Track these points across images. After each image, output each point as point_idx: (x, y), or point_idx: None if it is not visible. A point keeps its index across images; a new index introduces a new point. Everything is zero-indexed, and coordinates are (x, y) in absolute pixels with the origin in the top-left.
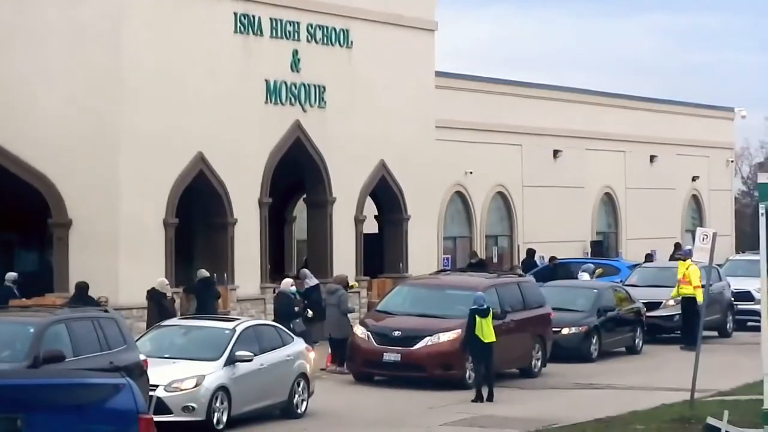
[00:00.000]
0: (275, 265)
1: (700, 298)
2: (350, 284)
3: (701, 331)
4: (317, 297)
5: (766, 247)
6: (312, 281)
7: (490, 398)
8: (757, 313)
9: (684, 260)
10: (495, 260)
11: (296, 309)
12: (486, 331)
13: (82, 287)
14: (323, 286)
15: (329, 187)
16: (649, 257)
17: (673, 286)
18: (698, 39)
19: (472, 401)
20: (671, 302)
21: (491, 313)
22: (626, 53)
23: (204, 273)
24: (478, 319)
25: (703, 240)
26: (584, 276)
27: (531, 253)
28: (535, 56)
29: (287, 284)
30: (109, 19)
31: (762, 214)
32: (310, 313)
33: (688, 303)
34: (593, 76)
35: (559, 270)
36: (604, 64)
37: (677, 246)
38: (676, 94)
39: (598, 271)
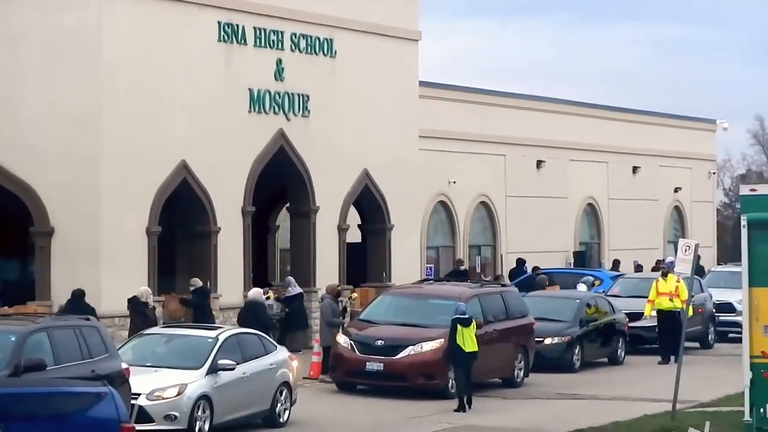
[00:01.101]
0: (258, 274)
1: (690, 312)
2: (351, 295)
3: (683, 343)
4: (299, 305)
5: (748, 258)
6: (295, 289)
7: (468, 405)
8: (738, 325)
9: (666, 273)
10: (478, 270)
11: (275, 319)
12: (468, 340)
13: (78, 295)
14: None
15: (312, 196)
16: (639, 268)
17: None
18: (680, 50)
19: (455, 411)
20: (654, 313)
21: (473, 322)
22: (608, 64)
23: (198, 282)
24: (459, 328)
25: (685, 251)
26: (582, 287)
27: (520, 262)
28: (517, 67)
29: (258, 294)
30: (90, 26)
31: (744, 226)
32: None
33: (667, 317)
34: (575, 86)
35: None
36: (586, 74)
37: (658, 263)
38: (658, 105)
39: (596, 282)
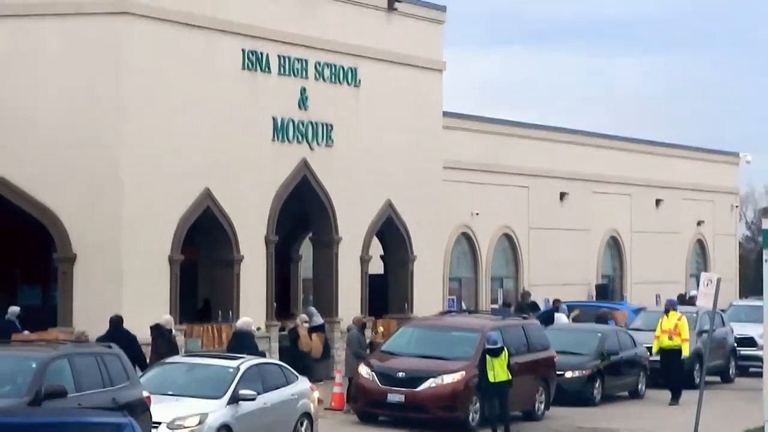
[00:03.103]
0: (281, 303)
1: (686, 351)
2: (377, 328)
3: (704, 375)
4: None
5: None
6: (318, 320)
7: None
8: (759, 359)
9: (668, 310)
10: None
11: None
12: (498, 370)
13: (117, 321)
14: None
15: (335, 226)
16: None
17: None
18: (704, 82)
19: None
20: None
21: (505, 351)
22: (633, 93)
23: (248, 323)
24: (489, 358)
25: (707, 285)
26: (562, 317)
27: (526, 295)
28: (540, 96)
29: (247, 324)
30: (112, 51)
31: (766, 260)
32: None
33: (671, 356)
34: (600, 116)
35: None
36: (611, 103)
37: (680, 297)
38: (681, 137)
39: (574, 312)
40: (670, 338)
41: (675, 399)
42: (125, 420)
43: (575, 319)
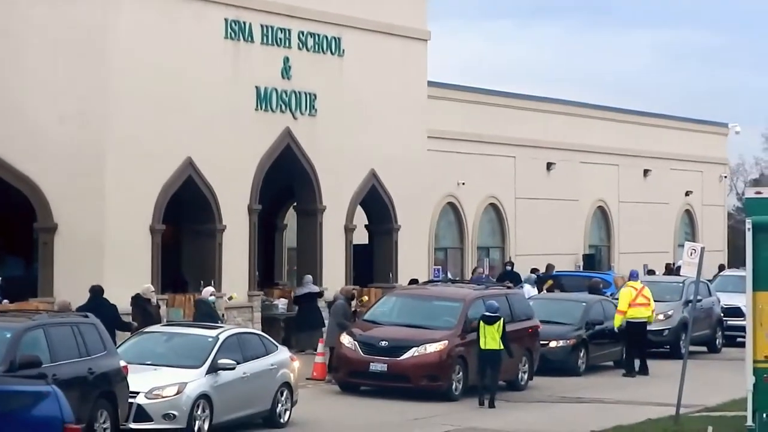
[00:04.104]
0: (265, 272)
1: (652, 319)
2: (362, 298)
3: (688, 345)
4: (309, 305)
5: (752, 262)
6: (306, 288)
7: (491, 405)
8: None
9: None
10: (486, 272)
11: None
12: (489, 339)
13: (97, 290)
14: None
15: (319, 195)
16: (651, 272)
17: (668, 300)
18: (693, 55)
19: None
20: (661, 317)
21: (501, 321)
22: (620, 69)
23: (208, 291)
24: (482, 324)
25: (690, 254)
26: (527, 287)
27: (509, 265)
28: (529, 70)
29: (207, 293)
30: (96, 23)
31: (748, 229)
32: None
33: (637, 328)
34: (586, 90)
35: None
36: (597, 79)
37: (668, 267)
38: (670, 110)
39: (548, 282)
40: (636, 309)
41: (645, 370)
42: (48, 388)
43: (552, 290)
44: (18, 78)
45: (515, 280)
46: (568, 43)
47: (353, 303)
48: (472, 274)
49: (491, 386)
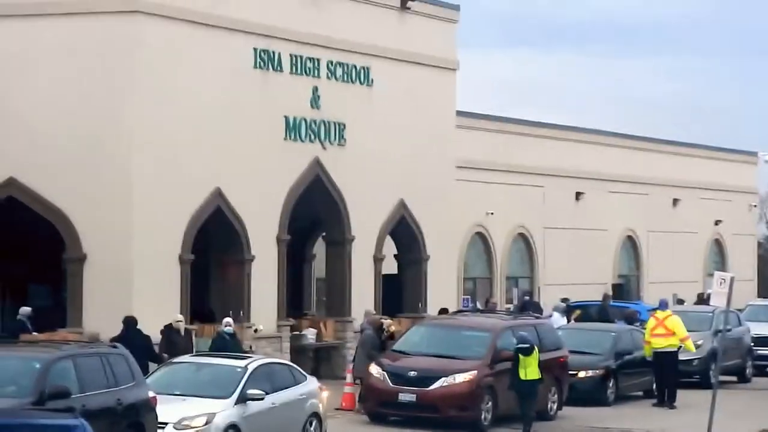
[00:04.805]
0: (293, 303)
1: (692, 347)
2: (388, 329)
3: (718, 375)
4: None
5: None
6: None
7: None
8: None
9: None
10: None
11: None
12: (529, 369)
13: (131, 321)
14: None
15: (348, 225)
16: (681, 302)
17: (698, 330)
18: (720, 83)
19: None
20: (700, 341)
21: (536, 350)
22: (647, 95)
23: (226, 322)
24: (521, 357)
25: (720, 284)
26: (556, 315)
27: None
28: (557, 97)
29: (223, 324)
30: (123, 51)
31: None
32: None
33: (665, 357)
34: (614, 117)
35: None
36: (625, 105)
37: (700, 296)
38: (698, 137)
39: (576, 313)
40: (660, 339)
41: (671, 400)
42: (76, 422)
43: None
44: (46, 108)
45: (537, 310)
46: (593, 70)
47: (385, 333)
48: (486, 304)
49: (528, 416)
